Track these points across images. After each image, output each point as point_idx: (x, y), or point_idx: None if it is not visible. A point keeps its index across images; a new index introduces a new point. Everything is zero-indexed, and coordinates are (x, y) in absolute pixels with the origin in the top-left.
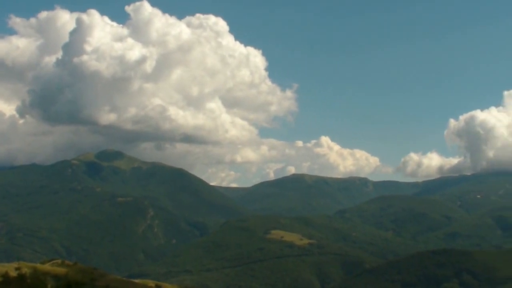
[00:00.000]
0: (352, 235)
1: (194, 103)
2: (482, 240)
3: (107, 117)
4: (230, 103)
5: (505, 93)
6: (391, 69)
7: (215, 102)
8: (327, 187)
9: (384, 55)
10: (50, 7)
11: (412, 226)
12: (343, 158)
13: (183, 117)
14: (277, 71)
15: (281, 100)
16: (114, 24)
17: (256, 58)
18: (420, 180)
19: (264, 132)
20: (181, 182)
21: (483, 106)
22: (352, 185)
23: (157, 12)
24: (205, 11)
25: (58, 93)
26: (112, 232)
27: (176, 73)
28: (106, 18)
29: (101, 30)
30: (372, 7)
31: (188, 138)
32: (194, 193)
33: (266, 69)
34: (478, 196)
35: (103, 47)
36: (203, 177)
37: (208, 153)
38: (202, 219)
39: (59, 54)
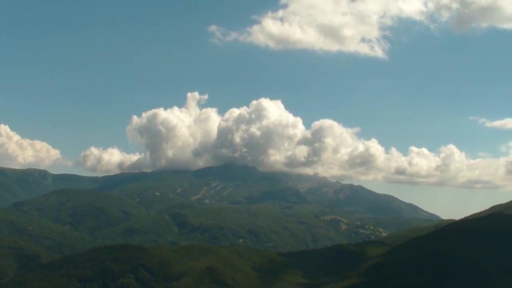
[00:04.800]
0: (28, 228)
1: None
2: (159, 237)
3: None
4: None
5: (189, 94)
6: (87, 57)
7: None
8: (4, 178)
9: (83, 41)
10: None
11: (90, 221)
12: (23, 149)
13: None
14: None
15: None
16: None
17: None
18: (100, 175)
19: None
20: None
21: (167, 105)
22: (31, 177)
23: None
24: None
25: None
26: None
27: None
28: None
29: None
30: None
31: None
32: None
33: None
34: (157, 193)
35: None
36: None
37: None
38: None
39: None
